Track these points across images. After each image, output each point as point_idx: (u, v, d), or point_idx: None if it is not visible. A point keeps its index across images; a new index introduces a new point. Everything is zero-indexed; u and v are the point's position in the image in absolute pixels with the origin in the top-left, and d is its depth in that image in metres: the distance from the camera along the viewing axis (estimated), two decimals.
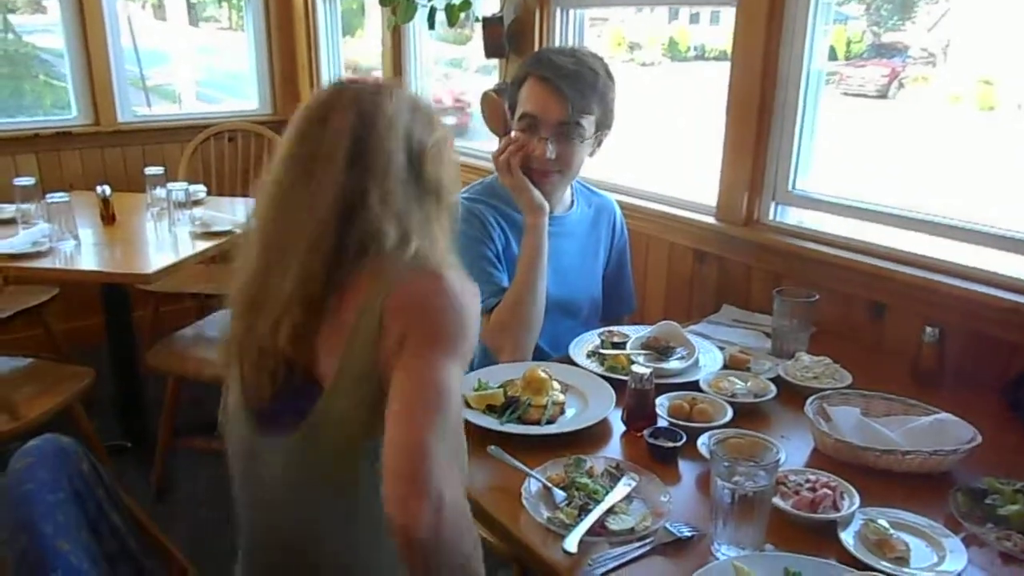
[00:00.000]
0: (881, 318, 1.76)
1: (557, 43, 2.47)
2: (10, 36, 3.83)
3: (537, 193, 1.62)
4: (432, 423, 0.85)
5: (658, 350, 1.65)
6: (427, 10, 2.52)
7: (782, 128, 1.92)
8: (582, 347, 1.68)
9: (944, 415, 1.32)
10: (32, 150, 3.37)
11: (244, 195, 3.34)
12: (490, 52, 2.50)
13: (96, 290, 2.69)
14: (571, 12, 2.44)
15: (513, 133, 1.67)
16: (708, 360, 1.63)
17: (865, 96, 2.70)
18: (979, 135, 2.76)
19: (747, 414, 1.42)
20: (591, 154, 1.72)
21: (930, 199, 1.87)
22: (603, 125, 1.69)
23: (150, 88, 4.47)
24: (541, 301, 1.63)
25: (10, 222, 2.56)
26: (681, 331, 1.71)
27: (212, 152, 3.49)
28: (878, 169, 2.69)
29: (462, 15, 2.49)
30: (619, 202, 2.19)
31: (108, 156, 3.55)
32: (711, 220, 2.08)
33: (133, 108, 3.67)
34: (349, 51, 3.93)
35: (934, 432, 1.28)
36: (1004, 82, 2.45)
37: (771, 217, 2.00)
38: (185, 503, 2.49)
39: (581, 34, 2.49)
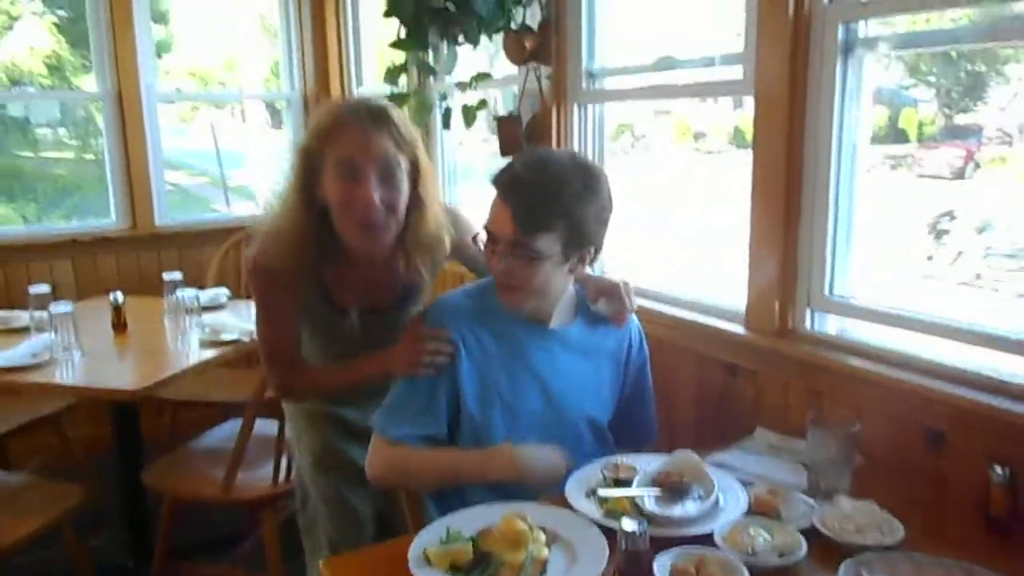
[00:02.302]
0: (939, 449, 1.49)
1: (576, 141, 2.34)
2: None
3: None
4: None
5: (671, 488, 1.42)
6: (442, 111, 2.44)
7: (812, 224, 1.71)
8: (581, 484, 1.45)
9: None
10: (69, 255, 3.41)
11: None
12: (506, 151, 2.39)
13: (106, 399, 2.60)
14: (589, 108, 2.32)
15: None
16: (730, 501, 1.39)
17: (941, 178, 2.60)
18: None
19: None
20: (572, 271, 1.51)
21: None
22: (575, 244, 1.44)
23: (231, 189, 4.57)
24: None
25: (25, 330, 2.53)
26: (700, 463, 1.47)
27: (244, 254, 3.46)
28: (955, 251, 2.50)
29: (478, 114, 2.39)
30: (640, 308, 2.00)
31: (144, 260, 3.56)
32: (740, 330, 1.85)
33: (212, 207, 3.67)
34: None
35: None
36: None
37: (807, 326, 1.76)
38: None
39: (601, 131, 2.36)
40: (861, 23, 1.62)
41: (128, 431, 2.54)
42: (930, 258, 2.64)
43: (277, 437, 2.25)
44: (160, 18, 5.66)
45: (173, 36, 5.39)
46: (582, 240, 1.45)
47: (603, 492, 1.39)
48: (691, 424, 1.99)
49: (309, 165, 1.54)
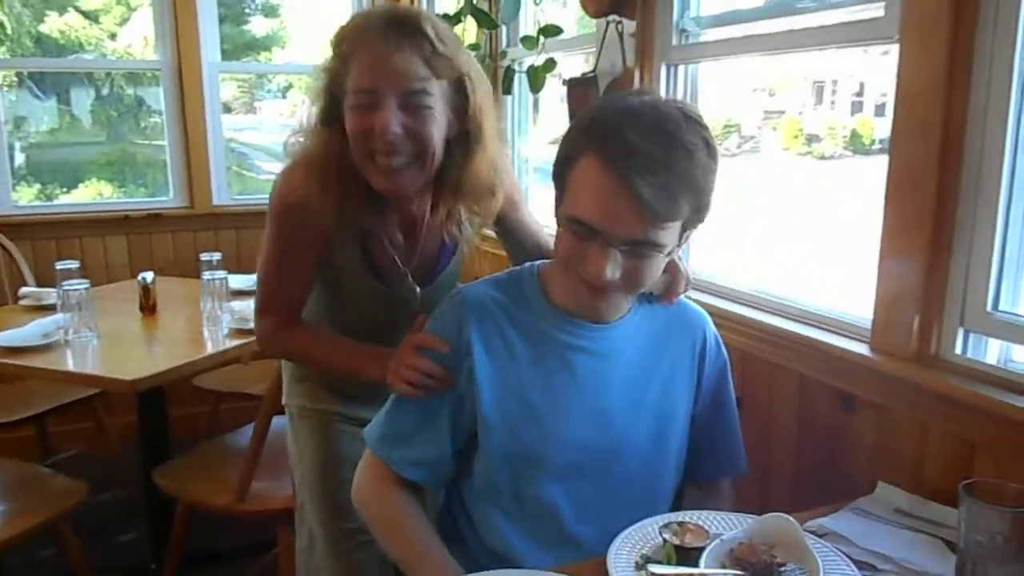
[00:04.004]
0: None
1: None
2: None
3: None
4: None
5: (754, 568, 1.02)
6: (504, 72, 2.09)
7: (974, 214, 1.25)
8: (631, 548, 1.07)
9: None
10: (123, 232, 3.26)
11: None
12: None
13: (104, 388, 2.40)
14: (680, 69, 1.91)
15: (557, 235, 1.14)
16: None
17: None
18: None
19: None
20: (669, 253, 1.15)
21: None
22: (693, 223, 1.12)
23: None
24: None
25: (51, 308, 2.35)
26: (798, 534, 1.06)
27: None
28: None
29: (546, 76, 2.03)
30: (730, 316, 1.61)
31: (200, 239, 3.38)
32: (863, 350, 1.42)
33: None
34: None
35: None
36: None
37: (957, 351, 1.31)
38: None
39: (694, 98, 1.94)
40: None
41: (153, 422, 2.32)
42: None
43: None
44: (271, 12, 5.60)
45: (287, 30, 5.31)
46: (700, 216, 1.12)
47: (656, 569, 1.00)
48: (788, 470, 1.56)
49: (332, 89, 1.27)
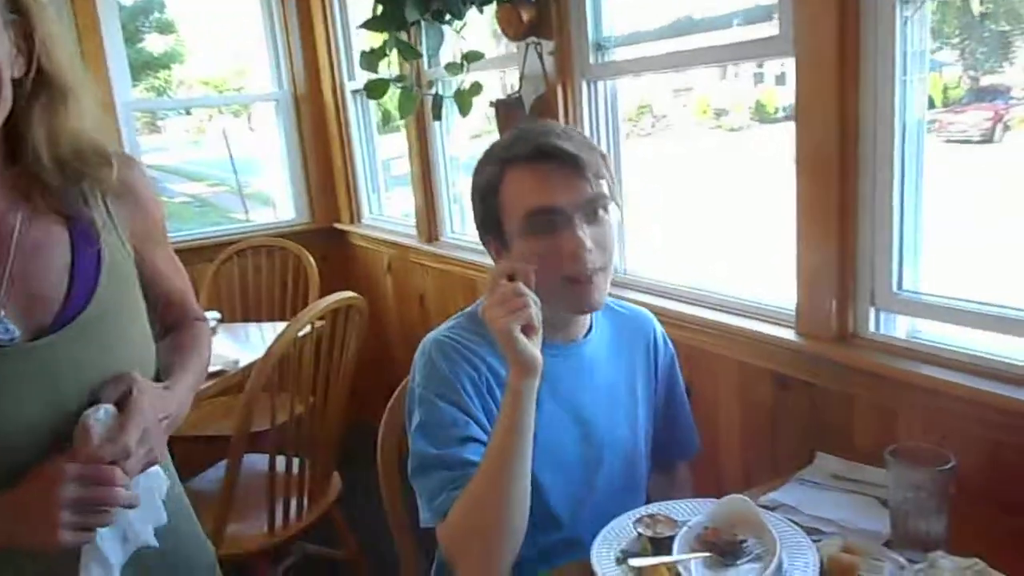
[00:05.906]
0: None
1: (587, 122, 2.06)
2: None
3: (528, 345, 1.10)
4: None
5: (721, 548, 1.14)
6: (431, 99, 2.17)
7: (873, 207, 1.41)
8: (610, 544, 1.18)
9: None
10: None
11: (271, 319, 3.02)
12: None
13: None
14: (599, 85, 2.03)
15: (516, 257, 1.19)
16: (797, 565, 1.11)
17: (969, 142, 2.36)
18: None
19: None
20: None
21: None
22: (613, 194, 1.23)
23: (249, 196, 4.37)
24: (520, 496, 1.13)
25: None
26: (755, 512, 1.19)
27: (237, 270, 3.21)
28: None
29: (473, 100, 2.12)
30: (667, 311, 1.75)
31: None
32: (790, 335, 1.57)
33: (231, 215, 3.50)
34: (387, 149, 3.61)
35: None
36: None
37: (871, 329, 1.47)
38: None
39: (615, 110, 2.07)
40: None
41: None
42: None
43: (269, 474, 2.01)
44: (167, 28, 5.47)
45: (185, 45, 5.20)
46: (614, 194, 1.24)
47: (635, 562, 1.12)
48: (738, 450, 1.71)
49: None
